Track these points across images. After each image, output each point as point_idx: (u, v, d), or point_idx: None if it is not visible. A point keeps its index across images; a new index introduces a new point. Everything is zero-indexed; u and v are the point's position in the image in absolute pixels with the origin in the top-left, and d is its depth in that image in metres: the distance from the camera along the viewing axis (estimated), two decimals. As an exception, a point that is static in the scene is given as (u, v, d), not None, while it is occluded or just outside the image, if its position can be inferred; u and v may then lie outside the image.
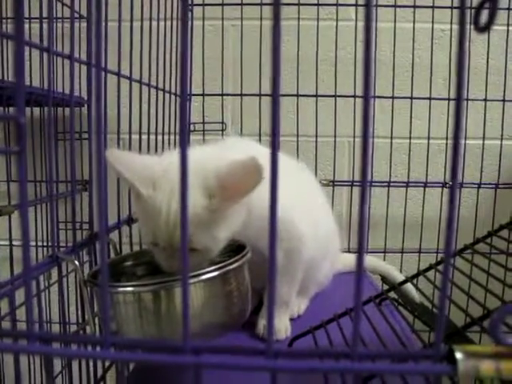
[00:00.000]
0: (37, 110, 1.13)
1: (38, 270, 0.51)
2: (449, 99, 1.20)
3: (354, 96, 1.20)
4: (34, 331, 0.30)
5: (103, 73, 0.69)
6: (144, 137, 0.83)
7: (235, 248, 0.65)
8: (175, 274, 0.61)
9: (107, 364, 0.75)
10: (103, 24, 0.69)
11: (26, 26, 1.00)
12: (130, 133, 0.81)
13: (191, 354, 0.27)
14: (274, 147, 0.26)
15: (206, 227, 0.61)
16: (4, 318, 0.69)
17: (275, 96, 0.25)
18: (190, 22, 1.18)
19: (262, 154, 0.61)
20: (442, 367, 0.27)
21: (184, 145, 0.26)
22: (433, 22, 1.19)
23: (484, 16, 0.27)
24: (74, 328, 0.74)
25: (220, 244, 0.64)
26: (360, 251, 0.26)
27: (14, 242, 0.91)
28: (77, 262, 0.54)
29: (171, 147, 1.04)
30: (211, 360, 0.28)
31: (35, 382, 1.08)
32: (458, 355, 0.27)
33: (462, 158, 1.23)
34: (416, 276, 0.72)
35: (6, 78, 1.03)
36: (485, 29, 0.25)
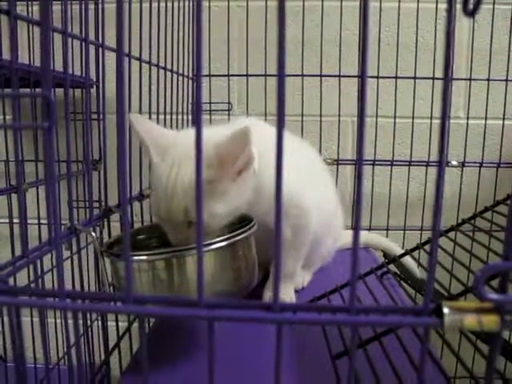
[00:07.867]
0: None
1: (61, 240, 0.55)
2: (451, 79, 1.21)
3: (358, 76, 1.21)
4: (63, 290, 0.33)
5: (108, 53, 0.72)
6: (153, 116, 0.85)
7: (242, 222, 0.68)
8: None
9: (121, 333, 0.79)
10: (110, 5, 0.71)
11: (36, 8, 1.03)
12: (140, 112, 0.83)
13: (205, 308, 0.31)
14: (280, 125, 0.29)
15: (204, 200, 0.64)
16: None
17: (281, 76, 0.28)
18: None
19: (268, 132, 0.63)
20: (430, 320, 0.30)
21: (199, 122, 0.29)
22: (437, 1, 1.20)
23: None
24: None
25: (218, 220, 0.65)
26: (357, 212, 0.29)
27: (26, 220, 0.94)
28: (94, 234, 0.57)
29: (179, 126, 1.06)
30: (223, 313, 0.31)
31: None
32: (445, 310, 0.30)
33: (464, 138, 1.25)
34: (415, 249, 0.75)
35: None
36: (472, 13, 0.28)
